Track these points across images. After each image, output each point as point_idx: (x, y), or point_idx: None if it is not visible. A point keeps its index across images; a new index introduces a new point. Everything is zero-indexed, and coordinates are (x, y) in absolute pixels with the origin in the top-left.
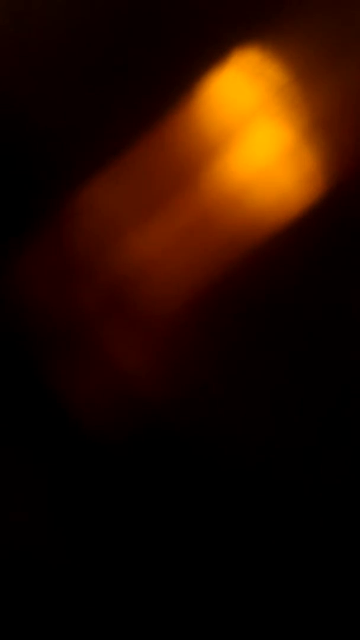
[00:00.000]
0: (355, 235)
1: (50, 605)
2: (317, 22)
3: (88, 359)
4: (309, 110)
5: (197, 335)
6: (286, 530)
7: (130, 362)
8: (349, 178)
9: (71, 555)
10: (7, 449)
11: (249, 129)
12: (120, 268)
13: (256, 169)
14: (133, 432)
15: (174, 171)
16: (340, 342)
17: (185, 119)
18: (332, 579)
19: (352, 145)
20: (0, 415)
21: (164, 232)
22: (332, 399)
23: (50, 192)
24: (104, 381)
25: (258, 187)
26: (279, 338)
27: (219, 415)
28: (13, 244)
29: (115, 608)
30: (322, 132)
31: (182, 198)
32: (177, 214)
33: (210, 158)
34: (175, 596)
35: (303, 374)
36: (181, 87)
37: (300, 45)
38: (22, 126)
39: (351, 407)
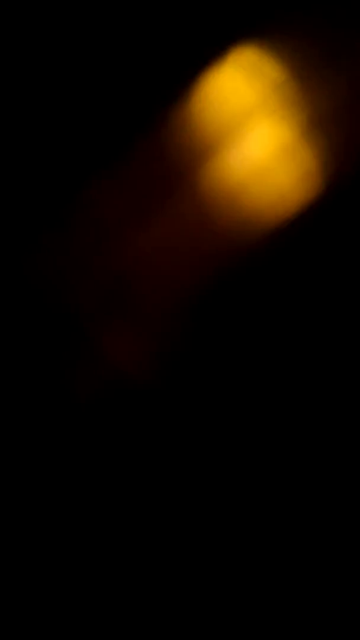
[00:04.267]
0: (352, 231)
1: (47, 583)
2: (314, 20)
3: (87, 352)
4: (307, 108)
5: (194, 331)
6: (283, 516)
7: (127, 355)
8: (346, 175)
9: (68, 530)
10: (10, 434)
11: (247, 127)
12: (119, 265)
13: (254, 166)
14: (128, 420)
15: (172, 169)
16: (339, 338)
17: (184, 117)
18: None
19: (349, 142)
20: (7, 401)
21: (162, 229)
22: (330, 395)
23: (49, 192)
24: (102, 373)
25: (256, 185)
26: (277, 335)
27: (216, 411)
28: (14, 242)
29: (111, 580)
30: (320, 129)
31: (181, 196)
32: (176, 212)
33: (209, 156)
34: (173, 584)
35: (304, 373)
36: (180, 85)
37: (297, 43)
38: (21, 127)
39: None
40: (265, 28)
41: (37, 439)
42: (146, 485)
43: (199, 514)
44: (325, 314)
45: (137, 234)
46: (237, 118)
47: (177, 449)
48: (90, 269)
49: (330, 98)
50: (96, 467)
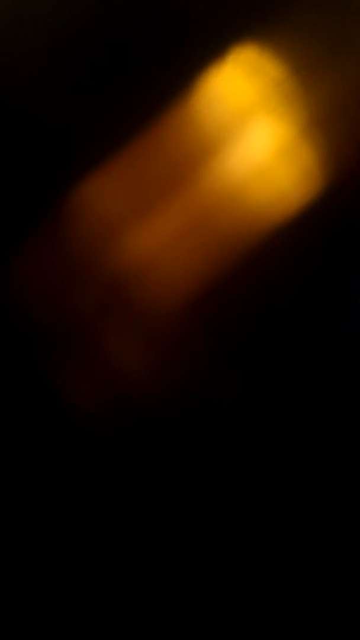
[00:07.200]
0: (353, 231)
1: (49, 590)
2: (315, 17)
3: (86, 356)
4: (307, 106)
5: (195, 332)
6: (285, 523)
7: (128, 359)
8: (347, 174)
9: (69, 543)
10: (7, 441)
11: (248, 125)
12: (119, 266)
13: (254, 165)
14: (129, 426)
15: (172, 169)
16: (340, 338)
17: (184, 115)
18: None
19: (350, 141)
20: (2, 409)
21: (163, 230)
22: (337, 396)
23: (49, 191)
24: (102, 378)
25: (256, 184)
26: (278, 335)
27: (216, 412)
28: (12, 243)
29: (112, 589)
30: (320, 127)
31: (181, 196)
32: (176, 211)
33: (209, 155)
34: (175, 590)
35: (304, 372)
36: (179, 83)
37: (298, 41)
38: (21, 125)
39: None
40: (265, 27)
41: (32, 452)
42: (147, 502)
43: (200, 531)
44: (327, 313)
45: (137, 234)
46: (237, 116)
47: (181, 463)
48: (88, 270)
49: (331, 96)
50: (95, 483)
